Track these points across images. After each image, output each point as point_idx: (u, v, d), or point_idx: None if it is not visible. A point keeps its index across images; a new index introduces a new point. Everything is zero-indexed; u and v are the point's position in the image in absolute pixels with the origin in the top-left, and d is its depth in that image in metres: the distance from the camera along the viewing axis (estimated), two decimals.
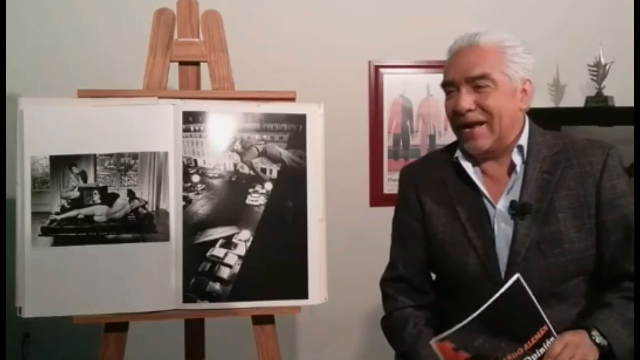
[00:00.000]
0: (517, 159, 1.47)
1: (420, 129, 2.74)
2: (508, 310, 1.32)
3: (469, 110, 1.42)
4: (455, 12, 2.67)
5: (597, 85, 2.59)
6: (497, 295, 1.31)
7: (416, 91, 2.72)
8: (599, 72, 2.58)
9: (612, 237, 1.43)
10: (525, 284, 1.32)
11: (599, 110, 2.56)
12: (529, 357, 1.33)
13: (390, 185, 2.67)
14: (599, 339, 1.34)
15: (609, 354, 1.34)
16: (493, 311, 1.31)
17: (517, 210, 1.43)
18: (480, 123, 1.43)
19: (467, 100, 1.42)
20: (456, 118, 1.46)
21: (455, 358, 1.32)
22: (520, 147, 1.47)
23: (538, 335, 1.33)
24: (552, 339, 1.34)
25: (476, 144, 1.45)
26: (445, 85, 1.48)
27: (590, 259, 1.44)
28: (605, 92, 2.58)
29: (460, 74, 1.42)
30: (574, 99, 2.72)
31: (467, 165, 1.49)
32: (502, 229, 1.45)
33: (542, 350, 1.33)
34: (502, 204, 1.46)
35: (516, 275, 1.32)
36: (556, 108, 2.73)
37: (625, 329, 1.36)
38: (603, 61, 2.57)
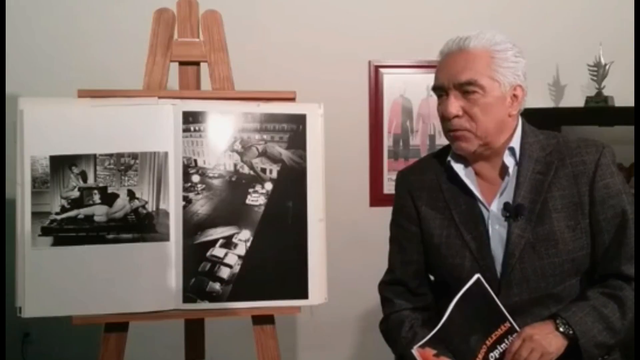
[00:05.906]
0: (509, 160, 1.46)
1: (420, 129, 2.74)
2: (471, 309, 1.36)
3: (456, 116, 1.42)
4: (456, 12, 2.67)
5: (597, 85, 2.59)
6: (458, 295, 1.36)
7: (416, 91, 2.72)
8: (599, 72, 2.58)
9: (605, 236, 1.42)
10: (485, 283, 1.37)
11: (599, 110, 2.56)
12: (492, 353, 1.37)
13: (390, 185, 2.67)
14: (562, 328, 1.35)
15: (577, 346, 1.35)
16: (458, 311, 1.36)
17: (510, 212, 1.43)
18: (466, 129, 1.43)
19: (454, 106, 1.42)
20: (444, 122, 1.46)
21: None
22: (511, 149, 1.47)
23: (499, 332, 1.37)
24: (514, 334, 1.37)
25: (461, 146, 1.45)
26: (435, 89, 1.49)
27: (585, 259, 1.44)
28: (605, 92, 2.58)
29: (449, 79, 1.42)
30: (574, 99, 2.71)
31: (459, 168, 1.49)
32: (497, 231, 1.45)
33: (503, 345, 1.37)
34: (496, 206, 1.46)
35: (476, 276, 1.37)
36: (556, 108, 2.73)
37: (597, 324, 1.36)
38: (603, 61, 2.56)
